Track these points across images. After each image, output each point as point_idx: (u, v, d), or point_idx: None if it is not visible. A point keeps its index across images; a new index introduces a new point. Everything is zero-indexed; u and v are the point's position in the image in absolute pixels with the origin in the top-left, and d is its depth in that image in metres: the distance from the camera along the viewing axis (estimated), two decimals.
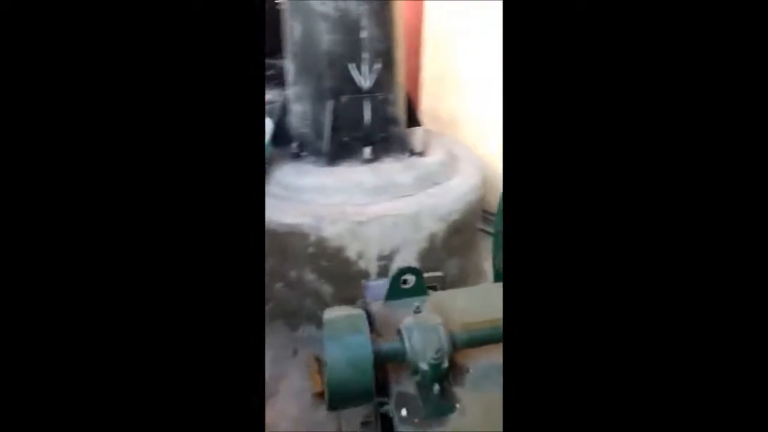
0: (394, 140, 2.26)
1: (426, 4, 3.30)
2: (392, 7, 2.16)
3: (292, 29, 2.16)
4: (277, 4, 2.31)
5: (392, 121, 2.24)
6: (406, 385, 0.92)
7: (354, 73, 2.10)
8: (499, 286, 1.24)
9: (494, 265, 1.51)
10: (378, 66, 2.14)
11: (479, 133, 3.17)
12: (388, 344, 0.91)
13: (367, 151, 2.19)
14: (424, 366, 0.87)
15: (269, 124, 2.16)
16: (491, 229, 2.89)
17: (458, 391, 0.91)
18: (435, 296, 1.18)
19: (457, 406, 0.88)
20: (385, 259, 1.95)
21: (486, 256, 2.67)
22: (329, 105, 2.11)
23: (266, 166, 2.05)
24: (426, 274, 1.18)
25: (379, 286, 1.59)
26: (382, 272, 1.97)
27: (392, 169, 2.15)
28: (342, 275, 1.95)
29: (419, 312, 1.05)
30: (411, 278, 1.16)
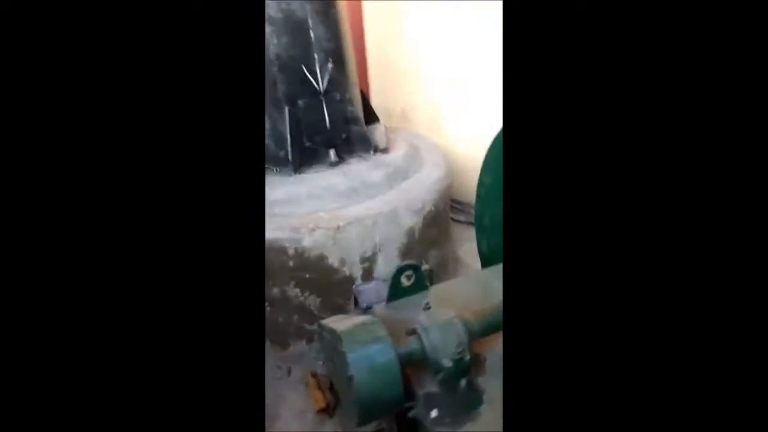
0: (356, 140, 2.22)
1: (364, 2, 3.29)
2: (336, 5, 2.12)
3: None
4: None
5: (352, 120, 2.20)
6: (430, 386, 0.90)
7: (308, 75, 2.04)
8: (493, 270, 1.25)
9: (480, 252, 1.53)
10: (330, 66, 2.09)
11: (431, 124, 3.20)
12: (406, 346, 0.88)
13: (331, 154, 2.14)
14: (447, 362, 0.85)
15: None
16: (462, 218, 2.95)
17: (481, 382, 0.91)
18: (436, 290, 1.17)
19: (484, 397, 0.88)
20: (368, 260, 1.92)
21: (461, 244, 2.71)
22: (287, 111, 2.04)
23: None
24: None
25: (372, 288, 1.56)
26: (367, 275, 1.94)
27: (360, 169, 2.12)
28: (327, 284, 1.89)
29: (429, 308, 1.03)
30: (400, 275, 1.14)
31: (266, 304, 1.88)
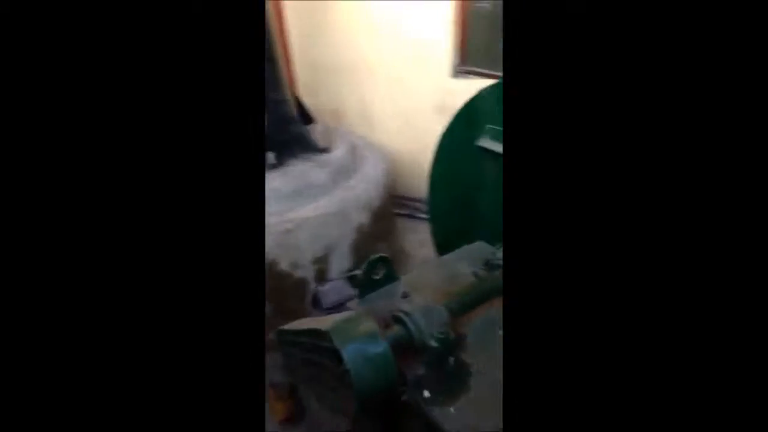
0: (296, 141, 2.18)
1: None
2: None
3: None
4: None
5: (290, 120, 2.15)
6: (418, 369, 0.93)
7: None
8: (455, 255, 1.32)
9: (435, 241, 1.60)
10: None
11: (363, 121, 3.25)
12: (394, 334, 0.90)
13: (271, 157, 2.07)
14: (434, 343, 0.89)
15: None
16: (401, 211, 3.03)
17: (466, 357, 0.96)
18: (407, 279, 1.20)
19: (472, 371, 0.93)
20: (320, 261, 1.90)
21: (405, 238, 2.79)
22: None
23: None
24: None
25: (333, 288, 1.56)
26: (320, 276, 1.91)
27: (303, 170, 2.08)
28: (279, 290, 1.83)
29: (408, 296, 1.06)
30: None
31: None
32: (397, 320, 0.94)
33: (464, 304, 1.02)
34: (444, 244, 1.50)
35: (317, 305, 1.30)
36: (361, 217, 2.00)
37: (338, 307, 1.21)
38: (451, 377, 0.91)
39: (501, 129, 1.14)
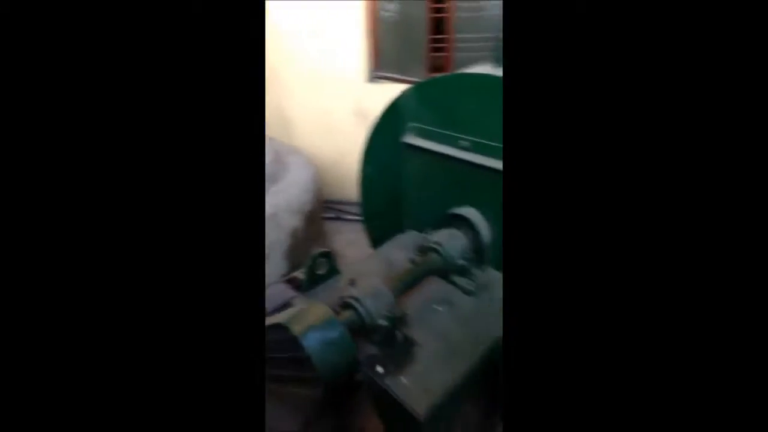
0: None
1: None
2: None
3: None
4: None
5: None
6: (368, 349, 1.01)
7: None
8: (389, 246, 1.42)
9: (371, 237, 1.69)
10: None
11: (283, 128, 3.24)
12: (347, 319, 0.97)
13: None
14: (383, 321, 0.98)
15: None
16: (329, 215, 3.08)
17: (409, 332, 1.06)
18: (349, 271, 1.27)
19: (417, 342, 1.03)
20: None
21: (333, 239, 2.84)
22: None
23: None
24: None
25: (275, 291, 1.57)
26: None
27: None
28: None
29: (354, 283, 1.13)
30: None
31: None
32: (348, 305, 1.01)
33: (404, 287, 1.12)
34: (379, 238, 1.59)
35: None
36: (293, 222, 2.02)
37: (282, 308, 1.24)
38: (399, 351, 1.00)
39: (424, 126, 1.27)
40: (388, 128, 1.37)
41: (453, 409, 1.00)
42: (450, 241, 1.21)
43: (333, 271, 1.24)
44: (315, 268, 1.20)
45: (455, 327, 1.08)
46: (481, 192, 1.20)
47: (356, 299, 1.00)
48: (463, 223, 1.23)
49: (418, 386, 0.92)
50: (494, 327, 1.07)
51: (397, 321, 1.01)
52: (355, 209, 2.41)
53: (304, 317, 0.89)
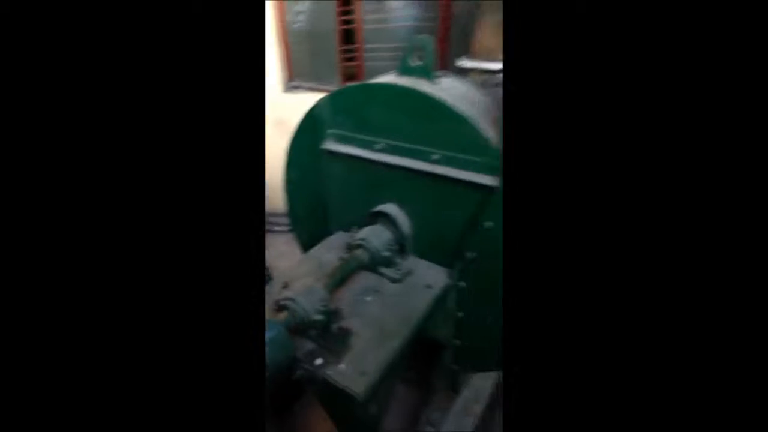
0: None
1: None
2: None
3: None
4: None
5: None
6: (306, 345, 1.07)
7: None
8: (318, 248, 1.48)
9: (300, 241, 1.74)
10: None
11: None
12: (287, 319, 1.02)
13: None
14: (318, 316, 1.04)
15: None
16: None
17: (344, 324, 1.13)
18: (282, 275, 1.31)
19: (351, 333, 1.11)
20: None
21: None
22: None
23: None
24: None
25: None
26: None
27: None
28: None
29: (288, 286, 1.18)
30: None
31: None
32: (283, 307, 1.06)
33: (335, 283, 1.19)
34: (309, 243, 1.64)
35: None
36: None
37: None
38: (336, 342, 1.07)
39: (341, 132, 1.36)
40: (307, 136, 1.43)
41: (388, 385, 1.09)
42: (374, 236, 1.30)
43: (266, 279, 1.28)
44: None
45: (385, 313, 1.17)
46: (397, 189, 1.31)
47: (291, 299, 1.05)
48: (385, 218, 1.34)
49: (355, 370, 1.00)
50: (419, 307, 1.19)
51: (332, 315, 1.08)
52: (283, 220, 2.42)
53: None
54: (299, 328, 1.04)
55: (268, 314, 1.06)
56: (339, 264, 1.28)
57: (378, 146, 1.28)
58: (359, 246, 1.29)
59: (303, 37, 2.90)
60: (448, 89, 1.21)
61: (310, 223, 1.60)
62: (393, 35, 2.62)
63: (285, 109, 2.85)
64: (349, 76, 2.87)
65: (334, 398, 1.00)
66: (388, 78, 1.29)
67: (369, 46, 2.72)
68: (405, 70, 1.25)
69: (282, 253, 2.71)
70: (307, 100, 1.40)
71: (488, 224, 1.14)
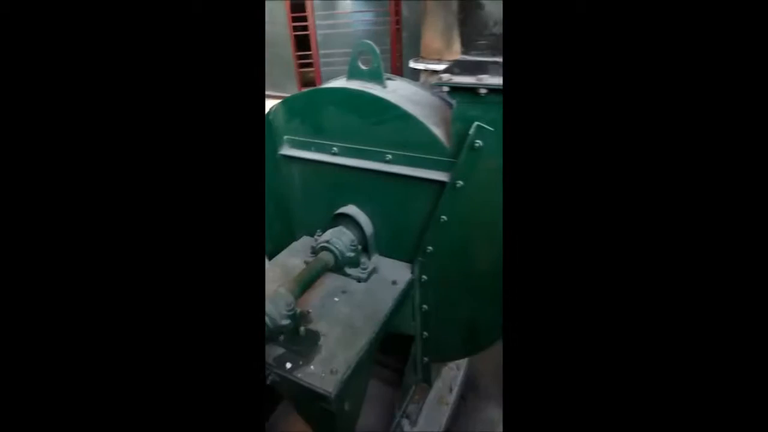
0: None
1: None
2: None
3: None
4: None
5: None
6: (274, 350, 1.08)
7: None
8: (284, 254, 1.49)
9: (267, 251, 1.73)
10: None
11: None
12: None
13: None
14: (285, 321, 1.05)
15: None
16: None
17: (313, 327, 1.15)
18: None
19: (320, 335, 1.13)
20: None
21: None
22: None
23: None
24: None
25: None
26: None
27: None
28: None
29: None
30: None
31: None
32: None
33: (302, 287, 1.20)
34: (273, 251, 1.64)
35: None
36: None
37: None
38: (305, 345, 1.09)
39: (297, 138, 1.38)
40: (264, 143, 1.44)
41: (360, 381, 1.11)
42: (338, 238, 1.33)
43: None
44: None
45: (353, 312, 1.20)
46: (357, 190, 1.34)
47: None
48: (347, 220, 1.37)
49: (325, 369, 1.02)
50: (385, 303, 1.22)
51: (299, 318, 1.09)
52: None
53: None
54: (267, 334, 1.05)
55: None
56: (305, 268, 1.29)
57: (334, 149, 1.31)
58: (324, 249, 1.31)
59: None
60: (396, 90, 1.25)
61: (273, 230, 1.61)
62: (347, 40, 2.66)
63: None
64: (307, 82, 2.88)
65: (308, 400, 1.02)
66: (339, 82, 1.32)
67: (324, 51, 2.74)
68: (354, 74, 1.28)
69: None
70: (266, 105, 1.41)
71: (443, 218, 1.19)
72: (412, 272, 1.33)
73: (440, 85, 1.04)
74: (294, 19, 2.79)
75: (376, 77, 1.25)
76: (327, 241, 1.31)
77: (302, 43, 2.98)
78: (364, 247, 1.37)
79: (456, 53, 1.50)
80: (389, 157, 1.21)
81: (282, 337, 1.09)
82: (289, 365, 1.05)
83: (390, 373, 1.63)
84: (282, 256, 1.48)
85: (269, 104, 1.40)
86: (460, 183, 1.11)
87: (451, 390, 1.62)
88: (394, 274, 1.33)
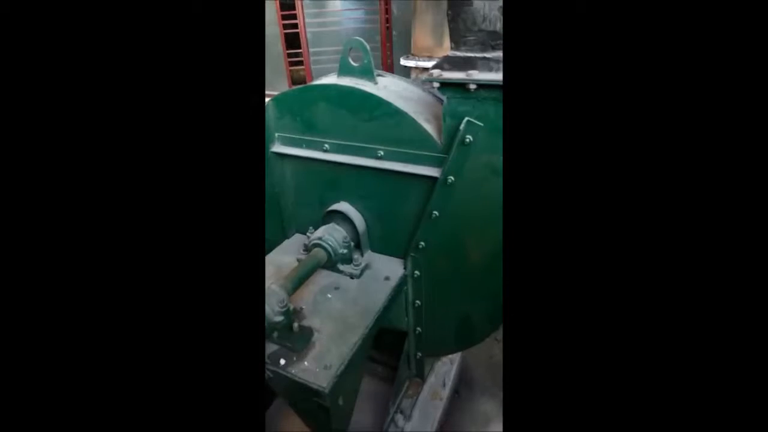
0: None
1: None
2: None
3: None
4: None
5: None
6: (268, 347, 1.08)
7: None
8: (276, 252, 1.49)
9: None
10: None
11: None
12: None
13: None
14: (278, 318, 1.05)
15: None
16: None
17: (306, 322, 1.15)
18: None
19: (314, 331, 1.13)
20: None
21: None
22: None
23: None
24: None
25: None
26: None
27: None
28: None
29: None
30: None
31: None
32: None
33: (295, 284, 1.21)
34: (267, 249, 1.64)
35: None
36: None
37: None
38: (298, 341, 1.09)
39: (288, 135, 1.38)
40: None
41: (354, 376, 1.12)
42: (330, 235, 1.33)
43: None
44: None
45: (347, 308, 1.20)
46: (348, 187, 1.35)
47: None
48: (339, 216, 1.37)
49: (319, 365, 1.02)
50: (379, 299, 1.23)
51: (292, 315, 1.09)
52: None
53: None
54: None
55: None
56: (297, 265, 1.29)
57: (325, 146, 1.31)
58: (316, 245, 1.31)
59: None
60: (387, 87, 1.26)
61: (269, 229, 1.60)
62: (337, 38, 2.66)
63: None
64: (297, 80, 2.87)
65: (302, 396, 1.02)
66: (330, 79, 1.32)
67: (314, 49, 2.74)
68: (345, 71, 1.28)
69: None
70: None
71: (435, 214, 1.20)
72: (405, 268, 1.34)
73: (430, 81, 1.05)
74: (284, 17, 2.78)
75: (367, 74, 1.25)
76: (319, 238, 1.31)
77: (292, 41, 2.98)
78: (357, 243, 1.37)
79: (446, 50, 1.51)
80: (381, 153, 1.21)
81: (275, 334, 1.09)
82: (283, 361, 1.05)
83: (384, 368, 1.63)
84: (275, 254, 1.48)
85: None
86: (451, 178, 1.12)
87: (444, 384, 1.64)
88: (386, 270, 1.34)
